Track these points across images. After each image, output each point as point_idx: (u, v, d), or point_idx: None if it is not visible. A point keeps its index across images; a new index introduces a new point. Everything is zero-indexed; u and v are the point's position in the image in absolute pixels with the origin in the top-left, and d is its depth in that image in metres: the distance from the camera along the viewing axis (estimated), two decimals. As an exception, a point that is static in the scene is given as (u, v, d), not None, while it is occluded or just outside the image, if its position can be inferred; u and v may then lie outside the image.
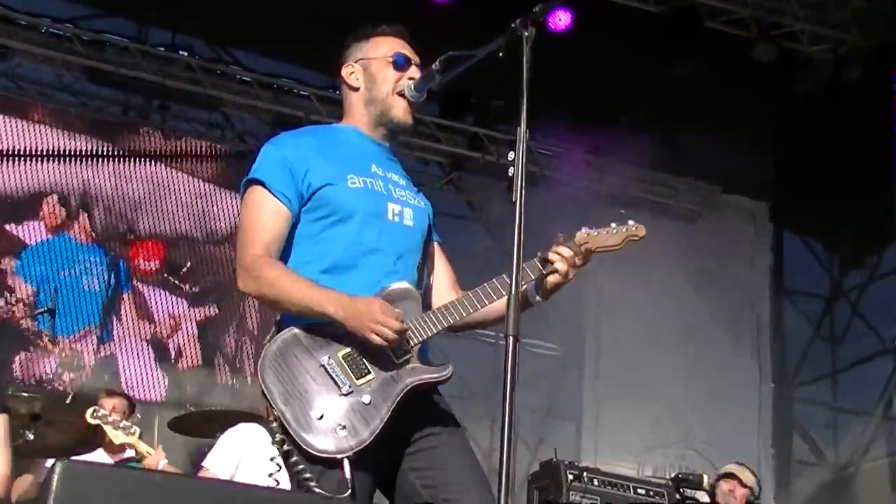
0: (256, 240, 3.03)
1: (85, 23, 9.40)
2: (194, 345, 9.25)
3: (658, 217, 10.77)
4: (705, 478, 6.81)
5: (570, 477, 6.42)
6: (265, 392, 2.91)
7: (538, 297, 3.17)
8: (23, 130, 9.09)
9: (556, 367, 10.53)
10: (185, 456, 7.15)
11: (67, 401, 6.21)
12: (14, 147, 9.01)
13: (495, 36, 2.93)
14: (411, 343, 2.99)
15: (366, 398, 2.90)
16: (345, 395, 2.90)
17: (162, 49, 9.57)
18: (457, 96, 9.80)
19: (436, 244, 3.36)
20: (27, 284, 8.72)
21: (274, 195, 3.06)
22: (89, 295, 8.88)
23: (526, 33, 2.83)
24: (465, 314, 3.07)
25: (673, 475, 7.09)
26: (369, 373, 2.94)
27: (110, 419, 5.74)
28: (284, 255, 3.09)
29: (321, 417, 2.86)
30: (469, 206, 10.37)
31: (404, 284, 3.07)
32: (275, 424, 2.89)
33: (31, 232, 8.98)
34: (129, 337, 9.04)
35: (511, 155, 2.77)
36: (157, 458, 5.68)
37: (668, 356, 10.37)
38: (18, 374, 8.39)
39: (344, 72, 3.32)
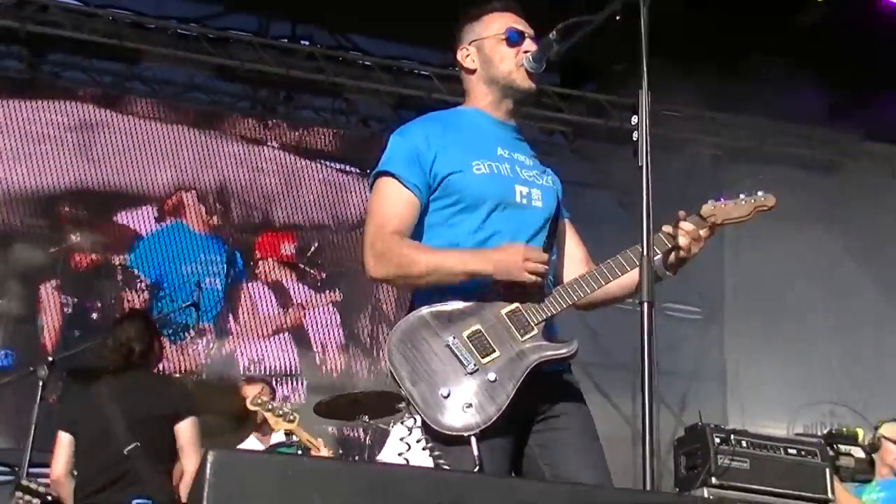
0: (387, 226, 3.07)
1: (210, 21, 9.67)
2: (332, 331, 9.41)
3: (796, 169, 10.52)
4: (860, 432, 6.57)
5: (717, 440, 6.29)
6: (393, 373, 2.97)
7: (667, 272, 3.12)
8: (158, 131, 9.39)
9: (699, 329, 10.39)
10: (332, 440, 7.30)
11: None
12: (151, 147, 9.31)
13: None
14: (535, 320, 3.00)
15: (491, 376, 2.93)
16: (470, 373, 2.92)
17: (284, 41, 9.77)
18: (576, 63, 9.70)
19: (566, 221, 3.35)
20: (145, 279, 9.00)
21: (404, 185, 3.09)
22: (210, 292, 9.08)
23: (642, -5, 2.80)
24: (588, 291, 3.05)
25: (825, 432, 6.89)
26: (494, 351, 2.96)
27: (270, 406, 5.85)
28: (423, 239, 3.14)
29: (447, 396, 2.90)
30: (595, 173, 10.26)
31: None
32: (403, 405, 2.94)
33: (146, 221, 9.24)
34: (261, 327, 9.23)
35: (634, 119, 2.74)
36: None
37: (813, 310, 10.11)
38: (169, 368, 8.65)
39: (459, 55, 3.32)
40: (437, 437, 2.90)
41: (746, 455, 6.29)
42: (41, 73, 9.38)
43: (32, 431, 5.47)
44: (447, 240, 3.11)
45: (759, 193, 3.19)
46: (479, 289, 3.03)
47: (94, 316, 8.75)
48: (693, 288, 10.04)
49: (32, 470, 5.43)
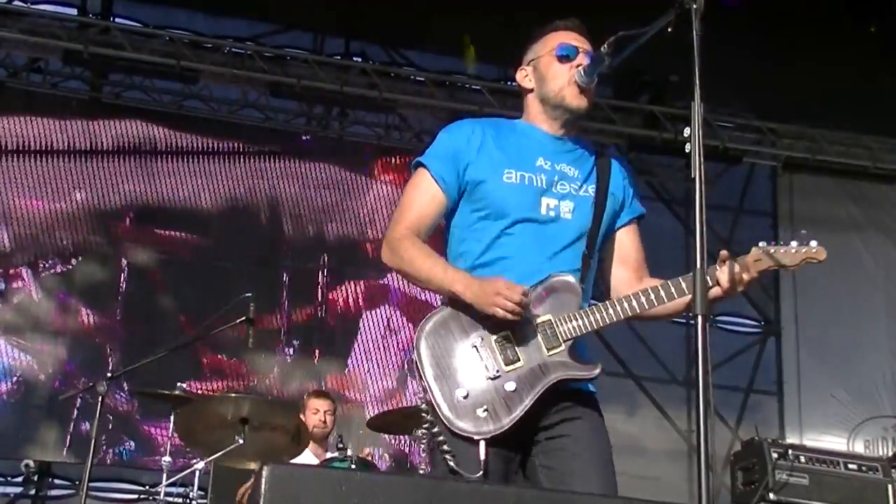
0: (406, 217, 3.18)
1: (265, 40, 9.80)
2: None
3: (857, 180, 10.37)
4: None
5: (775, 455, 6.22)
6: (417, 365, 3.01)
7: None
8: (215, 148, 9.50)
9: (755, 342, 10.29)
10: (388, 453, 7.30)
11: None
12: (207, 164, 9.43)
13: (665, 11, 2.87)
14: (564, 337, 3.01)
15: (510, 385, 2.96)
16: (491, 379, 2.96)
17: (338, 57, 9.86)
18: (631, 75, 9.67)
19: (627, 227, 3.32)
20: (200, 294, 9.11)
21: (434, 180, 3.19)
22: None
23: (695, 5, 2.77)
24: (625, 314, 3.05)
25: (892, 452, 6.78)
26: (518, 360, 2.98)
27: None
28: (446, 239, 3.23)
29: (466, 397, 2.95)
30: (649, 186, 10.21)
31: (567, 278, 3.07)
32: (422, 395, 2.98)
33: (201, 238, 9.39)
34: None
35: (687, 131, 2.72)
36: None
37: (874, 322, 9.97)
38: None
39: (518, 76, 3.38)
40: (451, 434, 2.94)
41: (805, 470, 6.21)
42: (103, 93, 9.55)
43: (93, 447, 5.54)
44: (469, 243, 3.17)
45: (813, 244, 3.11)
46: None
47: (153, 333, 8.85)
48: (749, 301, 9.95)
49: (92, 484, 5.49)
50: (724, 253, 3.02)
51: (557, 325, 3.02)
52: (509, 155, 3.19)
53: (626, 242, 3.32)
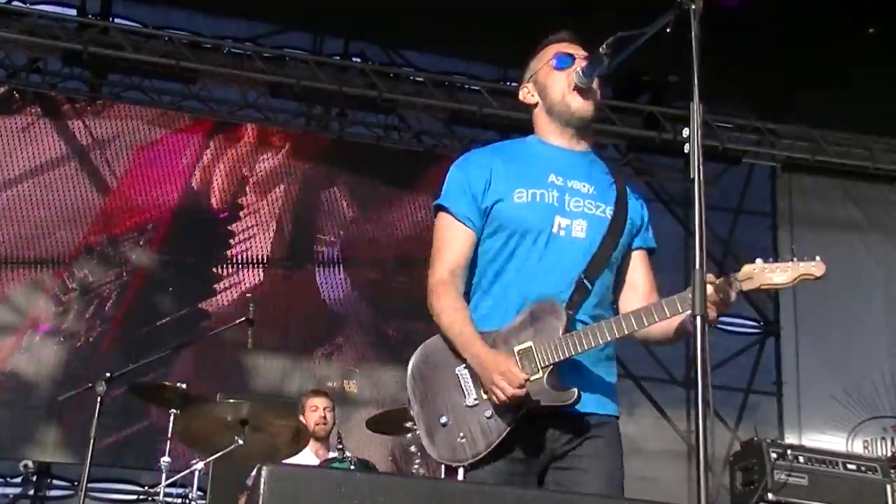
0: (443, 259, 3.19)
1: (264, 40, 9.80)
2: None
3: (857, 180, 10.37)
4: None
5: (774, 455, 6.22)
6: (408, 391, 3.10)
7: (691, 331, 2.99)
8: (215, 148, 9.51)
9: (755, 342, 10.29)
10: (386, 454, 7.29)
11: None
12: (206, 166, 9.43)
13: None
14: (542, 363, 2.99)
15: (488, 412, 2.99)
16: (470, 406, 3.01)
17: (337, 58, 9.86)
18: (630, 76, 9.66)
19: (638, 253, 3.29)
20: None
21: (458, 219, 3.20)
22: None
23: (693, 6, 2.77)
24: (611, 337, 3.00)
25: (891, 452, 6.79)
26: None
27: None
28: (471, 268, 3.22)
29: (445, 424, 3.01)
30: (649, 186, 10.21)
31: (551, 302, 3.04)
32: (410, 423, 3.04)
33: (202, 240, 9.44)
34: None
35: (686, 131, 2.72)
36: None
37: (872, 323, 9.97)
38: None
39: (521, 95, 3.37)
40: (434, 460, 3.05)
41: (804, 470, 6.21)
42: (102, 93, 9.55)
43: (91, 447, 5.54)
44: (485, 267, 3.18)
45: (816, 260, 2.99)
46: (506, 320, 3.07)
47: (152, 333, 8.85)
48: (749, 301, 9.95)
49: (91, 485, 5.48)
50: (708, 276, 2.85)
51: (536, 352, 3.00)
52: (519, 175, 3.19)
53: (636, 269, 3.28)
